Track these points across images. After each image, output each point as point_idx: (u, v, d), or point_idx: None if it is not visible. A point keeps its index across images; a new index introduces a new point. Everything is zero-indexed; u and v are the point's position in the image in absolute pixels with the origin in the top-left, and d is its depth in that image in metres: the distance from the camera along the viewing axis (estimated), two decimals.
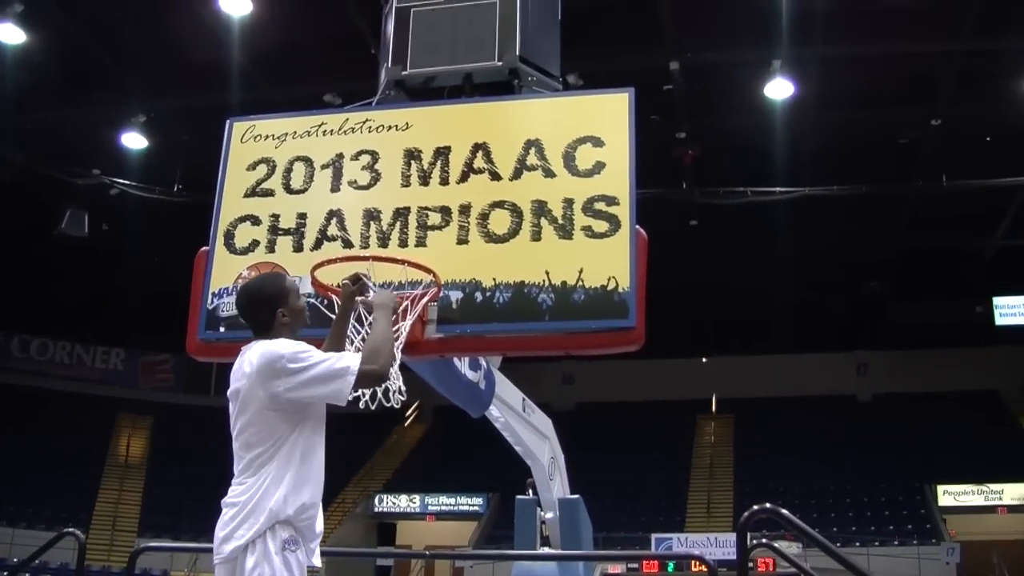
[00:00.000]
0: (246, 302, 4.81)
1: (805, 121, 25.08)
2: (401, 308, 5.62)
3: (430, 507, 37.93)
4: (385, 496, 38.64)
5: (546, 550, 10.94)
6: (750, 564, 22.50)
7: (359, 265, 6.01)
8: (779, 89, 23.46)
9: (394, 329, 5.19)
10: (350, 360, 4.46)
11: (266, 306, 4.72)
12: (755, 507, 5.40)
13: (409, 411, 43.78)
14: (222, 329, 6.48)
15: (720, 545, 26.71)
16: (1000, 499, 33.80)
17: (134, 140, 26.69)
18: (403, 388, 5.77)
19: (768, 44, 21.93)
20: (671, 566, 28.46)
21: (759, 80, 23.35)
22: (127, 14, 22.76)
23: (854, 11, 21.22)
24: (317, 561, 4.47)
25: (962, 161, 25.90)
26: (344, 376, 4.40)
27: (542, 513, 11.05)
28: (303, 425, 4.48)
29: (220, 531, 4.36)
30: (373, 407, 5.63)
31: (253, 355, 4.49)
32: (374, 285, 5.53)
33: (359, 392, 4.76)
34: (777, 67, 22.66)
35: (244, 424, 4.47)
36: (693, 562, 27.63)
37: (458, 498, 37.69)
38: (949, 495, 34.25)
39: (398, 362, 4.82)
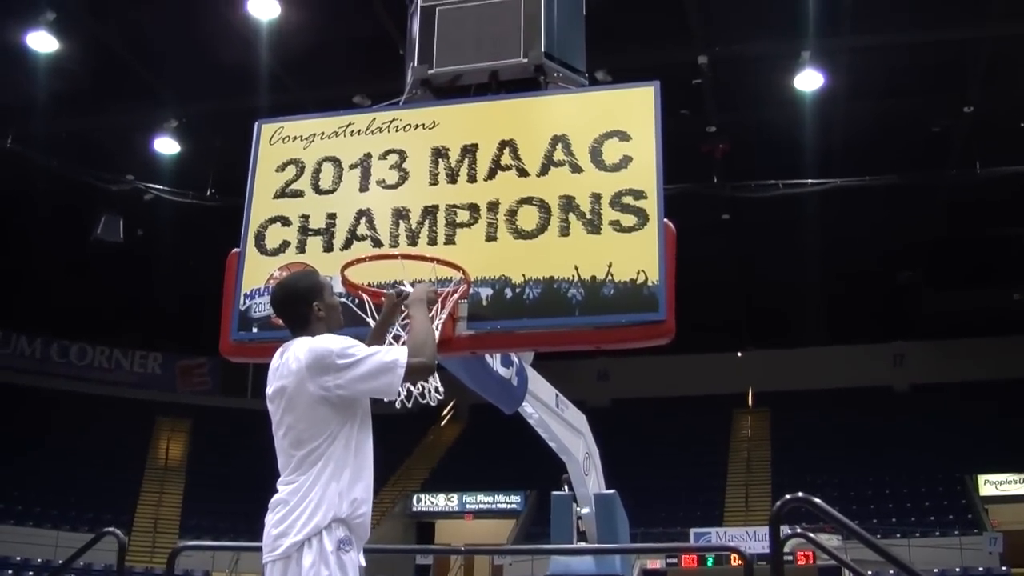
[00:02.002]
0: (283, 297, 4.85)
1: (836, 112, 24.99)
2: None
3: (468, 506, 37.99)
4: (423, 496, 38.73)
5: (583, 545, 10.97)
6: (789, 557, 22.40)
7: (389, 264, 6.05)
8: (809, 80, 23.37)
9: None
10: (398, 354, 4.48)
11: (302, 301, 4.76)
12: (787, 496, 5.40)
13: (445, 410, 43.83)
14: (255, 330, 6.53)
15: (759, 539, 26.60)
16: None
17: (167, 145, 26.88)
18: (440, 387, 5.80)
19: (797, 35, 21.86)
20: (710, 560, 28.38)
21: (788, 72, 23.27)
22: (157, 20, 22.96)
23: (882, 0, 21.14)
24: (363, 560, 4.49)
25: (996, 148, 25.72)
26: (394, 369, 4.43)
27: (578, 508, 11.07)
28: (353, 420, 4.50)
29: (274, 528, 4.35)
30: (410, 405, 5.67)
31: (300, 351, 4.50)
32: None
33: (406, 387, 4.77)
34: (806, 58, 22.57)
35: (293, 421, 4.47)
36: (732, 556, 27.60)
37: (496, 496, 37.73)
38: (991, 484, 34.06)
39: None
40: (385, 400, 4.66)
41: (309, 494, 4.33)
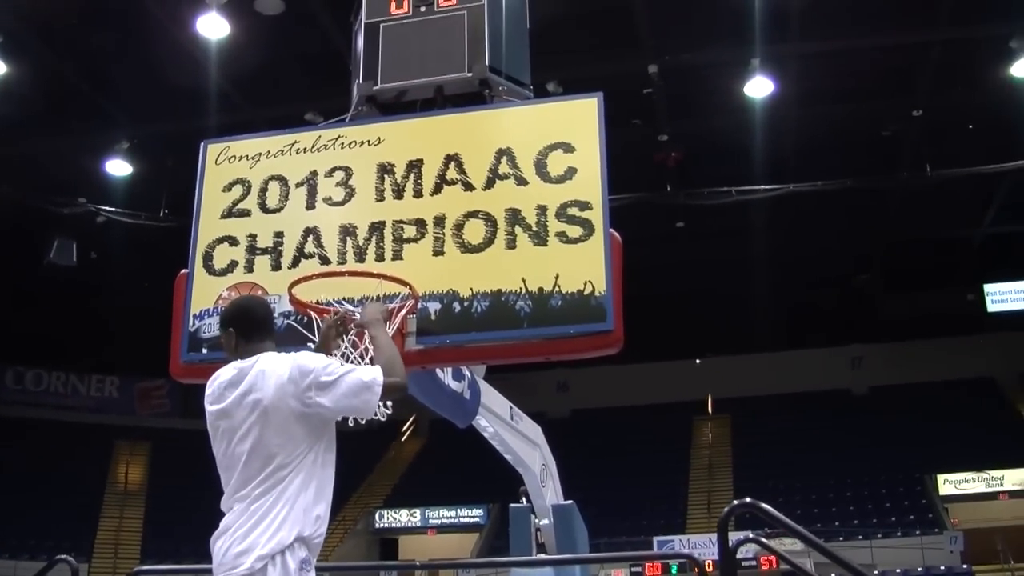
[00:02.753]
0: (255, 316, 4.78)
1: (787, 118, 25.16)
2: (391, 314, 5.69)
3: (431, 521, 37.92)
4: (385, 512, 38.62)
5: (541, 557, 10.96)
6: (753, 562, 22.43)
7: (337, 281, 6.05)
8: (759, 87, 23.51)
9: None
10: (375, 373, 4.45)
11: (271, 317, 4.86)
12: (735, 502, 5.43)
13: (405, 426, 43.78)
14: (205, 350, 6.52)
15: None
16: (1001, 485, 33.89)
17: (118, 167, 26.70)
18: (388, 403, 5.76)
19: (745, 43, 21.98)
20: (674, 567, 28.49)
21: (738, 79, 23.41)
22: (106, 42, 22.83)
23: (830, 6, 21.30)
24: None
25: (946, 150, 26.01)
26: (373, 388, 4.40)
27: (536, 520, 11.08)
28: (323, 437, 4.45)
29: (235, 545, 4.21)
30: (363, 423, 5.63)
31: (280, 366, 4.42)
32: (355, 311, 5.54)
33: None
34: (756, 65, 22.70)
35: (266, 435, 4.34)
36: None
37: (458, 510, 37.69)
38: (950, 484, 34.33)
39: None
40: (351, 420, 4.63)
41: (274, 509, 4.24)
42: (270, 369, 4.41)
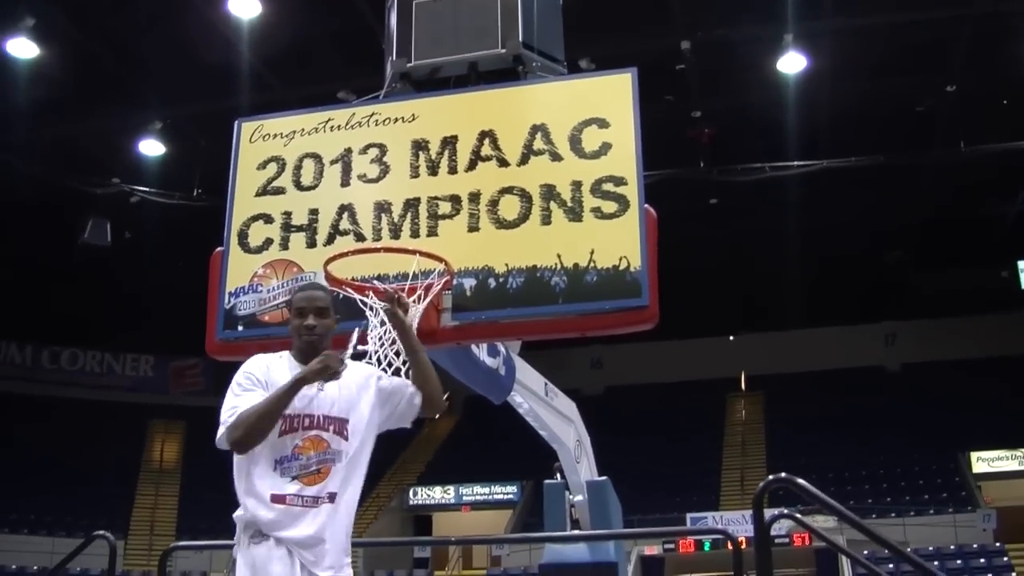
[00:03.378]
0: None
1: (820, 94, 24.99)
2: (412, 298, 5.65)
3: (464, 498, 37.99)
4: (419, 489, 38.75)
5: (575, 532, 10.98)
6: (785, 539, 22.40)
7: (372, 257, 6.06)
8: (792, 63, 23.37)
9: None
10: (228, 414, 4.51)
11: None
12: (771, 477, 5.42)
13: None
14: (240, 328, 6.55)
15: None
16: None
17: (151, 147, 26.82)
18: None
19: (778, 19, 21.84)
20: (707, 545, 28.45)
21: (771, 55, 23.26)
22: (137, 22, 22.87)
23: None
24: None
25: (979, 126, 25.78)
26: (222, 424, 4.51)
27: (571, 496, 11.09)
28: None
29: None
30: None
31: None
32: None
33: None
34: (789, 41, 22.55)
35: None
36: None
37: (492, 487, 37.73)
38: (983, 462, 34.13)
39: (265, 439, 4.53)
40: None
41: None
42: None
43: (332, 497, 4.53)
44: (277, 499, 4.43)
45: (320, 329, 4.60)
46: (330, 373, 4.47)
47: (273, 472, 4.48)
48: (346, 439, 4.61)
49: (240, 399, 4.50)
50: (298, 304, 4.66)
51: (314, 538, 4.43)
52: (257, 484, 4.48)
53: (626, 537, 19.73)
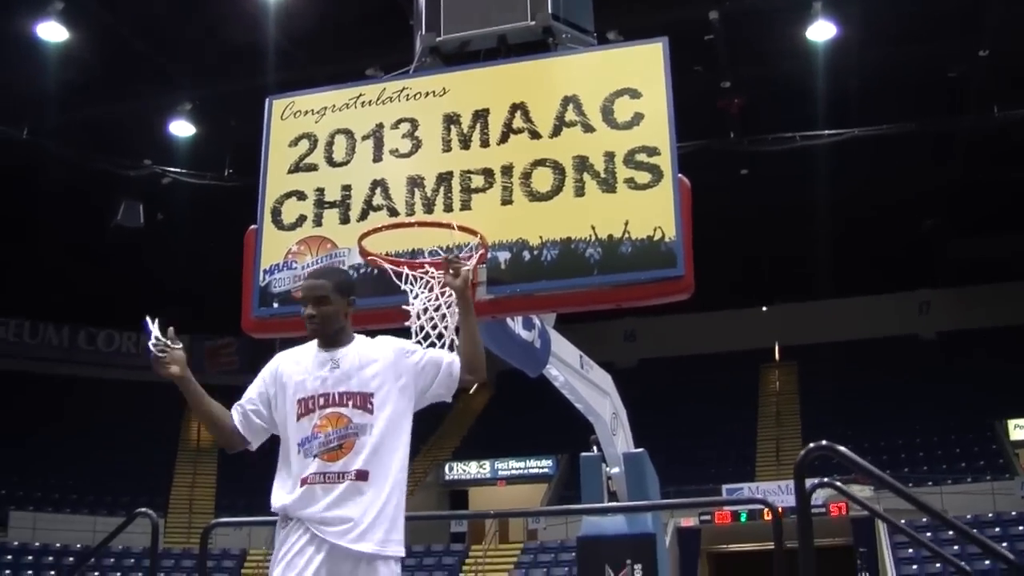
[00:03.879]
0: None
1: (850, 61, 24.79)
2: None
3: (500, 472, 38.04)
4: (455, 464, 38.85)
5: (612, 504, 10.98)
6: (822, 510, 22.38)
7: (406, 232, 6.07)
8: (821, 31, 23.27)
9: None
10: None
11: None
12: (811, 445, 5.40)
13: None
14: (275, 305, 6.57)
15: (791, 492, 26.49)
16: None
17: (182, 128, 26.97)
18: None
19: None
20: (744, 516, 28.44)
21: (800, 23, 23.15)
22: (166, 3, 22.95)
23: None
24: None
25: (1013, 91, 25.53)
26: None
27: (607, 469, 11.08)
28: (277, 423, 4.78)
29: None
30: None
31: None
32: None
33: None
34: (818, 9, 22.45)
35: None
36: (766, 511, 27.64)
37: (527, 461, 37.77)
38: (1021, 429, 33.92)
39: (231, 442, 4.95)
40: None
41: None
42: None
43: (361, 474, 4.50)
44: (303, 481, 4.47)
45: (319, 318, 4.63)
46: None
47: (298, 455, 4.54)
48: (371, 412, 4.59)
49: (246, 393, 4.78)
50: (296, 296, 4.78)
51: (340, 516, 4.42)
52: (284, 471, 4.57)
53: (664, 508, 19.74)
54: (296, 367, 4.63)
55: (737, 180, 30.28)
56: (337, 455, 4.50)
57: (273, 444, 4.70)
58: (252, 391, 4.74)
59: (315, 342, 4.70)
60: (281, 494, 4.52)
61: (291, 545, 4.43)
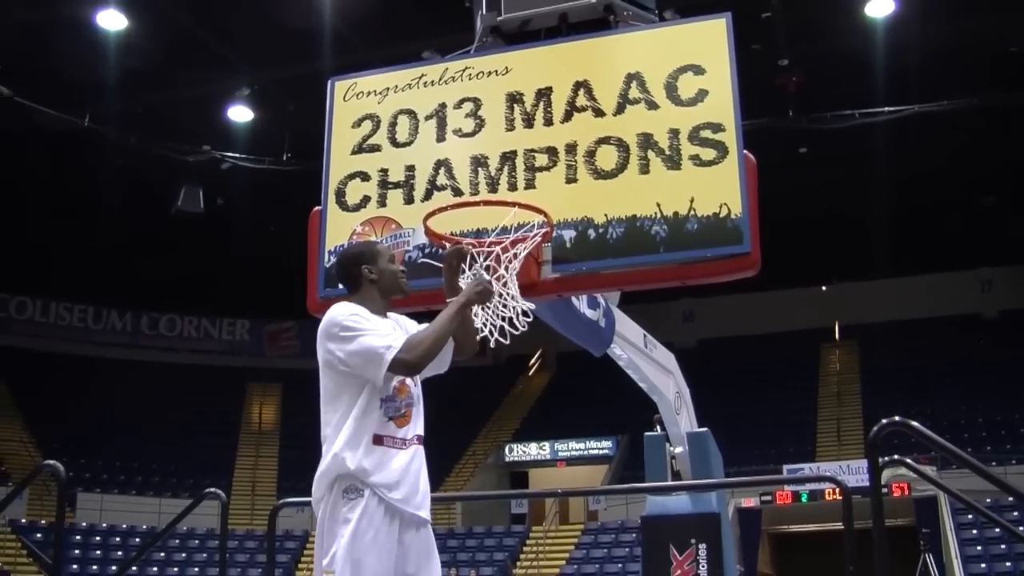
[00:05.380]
0: (337, 263, 5.09)
1: (909, 37, 24.47)
2: (502, 269, 5.71)
3: (560, 453, 38.10)
4: (515, 445, 38.92)
5: (676, 483, 10.96)
6: (885, 489, 22.19)
7: (471, 212, 6.07)
8: (880, 7, 23.08)
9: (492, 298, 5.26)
10: (392, 342, 4.53)
11: (352, 264, 4.90)
12: (884, 421, 5.36)
13: (532, 360, 44.03)
14: (340, 285, 6.59)
15: (852, 472, 26.44)
16: None
17: (240, 113, 27.19)
18: (519, 322, 5.69)
19: None
20: (804, 496, 28.32)
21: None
22: None
23: None
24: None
25: None
26: (380, 360, 4.49)
27: (671, 448, 11.06)
28: (358, 388, 4.60)
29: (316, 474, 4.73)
30: (492, 344, 5.66)
31: (326, 314, 4.67)
32: (479, 272, 5.51)
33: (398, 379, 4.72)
34: None
35: (321, 383, 4.71)
36: (827, 491, 27.48)
37: (587, 443, 37.79)
38: None
39: (443, 360, 4.89)
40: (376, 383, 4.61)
41: (328, 449, 4.62)
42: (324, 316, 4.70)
43: (420, 439, 4.71)
44: (378, 440, 4.55)
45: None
46: (488, 298, 4.94)
47: (379, 410, 4.59)
48: (416, 384, 4.80)
49: (377, 332, 4.59)
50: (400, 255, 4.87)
51: (406, 482, 4.57)
52: (363, 423, 4.56)
53: (729, 487, 19.71)
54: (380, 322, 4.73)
55: (796, 158, 30.06)
56: (403, 422, 4.67)
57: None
58: (385, 326, 4.70)
59: (378, 310, 4.78)
60: (354, 453, 4.57)
61: (372, 525, 4.52)
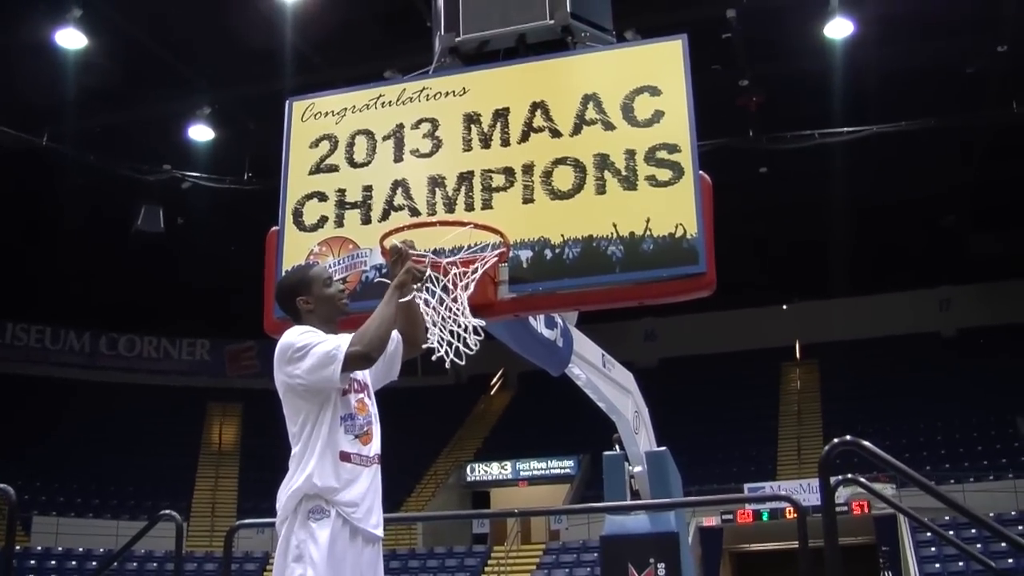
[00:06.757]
0: (276, 295, 5.17)
1: (868, 59, 24.74)
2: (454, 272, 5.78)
3: (522, 473, 38.05)
4: (476, 465, 38.87)
5: (634, 502, 10.98)
6: (844, 508, 22.31)
7: (428, 231, 6.07)
8: (839, 28, 23.24)
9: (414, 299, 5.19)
10: (339, 342, 4.57)
11: (288, 296, 4.95)
12: (836, 440, 5.39)
13: (494, 379, 44.00)
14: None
15: (813, 491, 26.46)
16: None
17: (201, 132, 27.10)
18: (471, 340, 5.70)
19: None
20: (765, 515, 28.40)
21: (818, 20, 23.13)
22: (183, 9, 23.06)
23: None
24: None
25: None
26: (331, 362, 4.51)
27: (630, 467, 11.08)
28: (324, 407, 4.63)
29: (280, 493, 4.73)
30: (447, 365, 5.70)
31: (279, 342, 4.68)
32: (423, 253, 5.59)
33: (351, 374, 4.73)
34: (835, 6, 22.44)
35: (284, 406, 4.73)
36: (787, 510, 27.57)
37: (549, 462, 37.77)
38: None
39: (392, 365, 5.03)
40: (336, 387, 4.64)
41: (294, 469, 4.64)
42: (277, 345, 4.71)
43: (379, 458, 4.77)
44: (344, 456, 4.59)
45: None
46: (419, 279, 5.00)
47: (340, 427, 4.64)
48: (373, 403, 4.88)
49: (326, 341, 4.63)
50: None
51: (367, 500, 4.63)
52: (330, 440, 4.59)
53: (688, 506, 19.73)
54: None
55: (756, 178, 30.24)
56: (366, 440, 4.72)
57: (287, 448, 4.75)
58: (339, 339, 4.69)
59: (328, 331, 4.79)
60: (323, 471, 4.59)
61: (337, 546, 4.56)
